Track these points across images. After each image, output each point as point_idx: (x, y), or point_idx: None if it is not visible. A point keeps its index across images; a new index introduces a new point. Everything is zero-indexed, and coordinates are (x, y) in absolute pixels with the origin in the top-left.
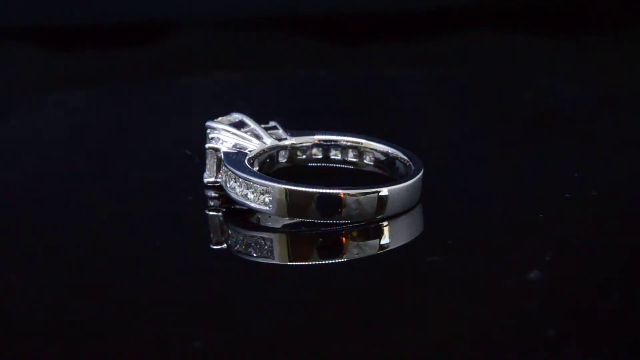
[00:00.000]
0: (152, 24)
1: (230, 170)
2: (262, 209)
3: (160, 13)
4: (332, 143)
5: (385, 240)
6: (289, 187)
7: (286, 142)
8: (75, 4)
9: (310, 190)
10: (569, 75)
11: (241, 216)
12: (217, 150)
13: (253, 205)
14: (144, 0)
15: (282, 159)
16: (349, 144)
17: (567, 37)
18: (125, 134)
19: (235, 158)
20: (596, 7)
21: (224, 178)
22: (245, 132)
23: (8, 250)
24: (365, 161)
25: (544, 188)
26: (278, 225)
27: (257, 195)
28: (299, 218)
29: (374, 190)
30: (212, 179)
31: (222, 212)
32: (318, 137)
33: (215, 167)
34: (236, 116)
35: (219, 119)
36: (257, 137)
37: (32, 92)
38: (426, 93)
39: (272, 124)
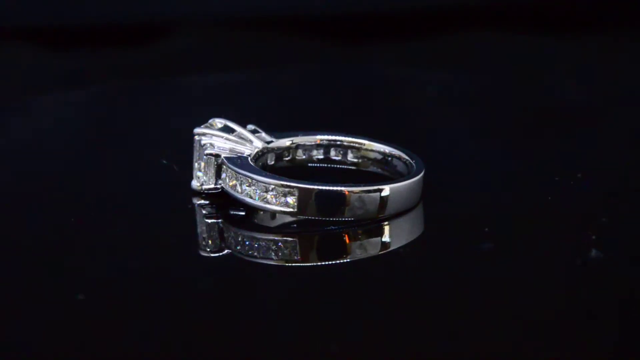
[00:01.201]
0: (152, 24)
1: (244, 175)
2: (285, 210)
3: (160, 13)
4: (332, 143)
5: (386, 238)
6: (318, 187)
7: (275, 144)
8: (75, 4)
9: (341, 188)
10: (569, 74)
11: (241, 220)
12: (217, 156)
13: (274, 207)
14: (144, 0)
15: (271, 161)
16: (349, 144)
17: (567, 37)
18: (123, 134)
19: (243, 162)
20: (596, 7)
21: (231, 183)
22: (235, 137)
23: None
24: (349, 158)
25: (544, 187)
26: (272, 225)
27: (279, 197)
28: (323, 217)
29: (376, 188)
30: (212, 186)
31: (222, 218)
32: (320, 137)
33: (214, 174)
34: (219, 121)
35: (204, 125)
36: (247, 140)
37: (32, 92)
38: (426, 93)
39: (250, 127)
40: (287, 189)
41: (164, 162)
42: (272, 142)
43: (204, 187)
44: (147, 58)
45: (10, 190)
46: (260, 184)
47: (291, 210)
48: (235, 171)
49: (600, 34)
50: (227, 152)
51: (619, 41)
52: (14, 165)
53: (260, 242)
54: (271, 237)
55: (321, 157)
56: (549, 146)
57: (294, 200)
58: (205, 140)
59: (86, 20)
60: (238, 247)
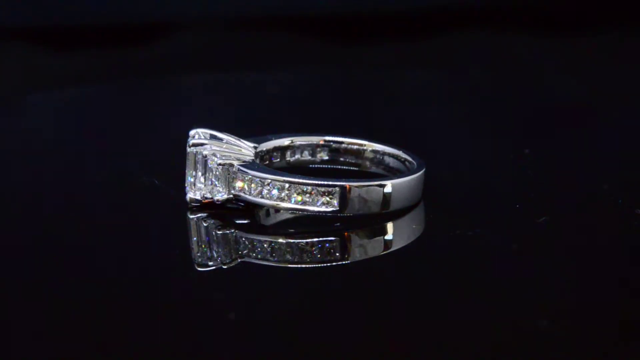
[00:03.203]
0: (152, 24)
1: (276, 180)
2: (325, 210)
3: (160, 13)
4: (335, 144)
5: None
6: (357, 183)
7: (260, 149)
8: (75, 4)
9: (376, 183)
10: (569, 74)
11: (250, 227)
12: (231, 165)
13: (313, 208)
14: (144, 0)
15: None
16: (351, 146)
17: (567, 37)
18: (123, 134)
19: (261, 168)
20: (596, 7)
21: (255, 190)
22: (228, 144)
23: None
24: (323, 158)
25: (543, 185)
26: (268, 224)
27: (318, 197)
28: (358, 213)
29: (378, 183)
30: (226, 197)
31: (233, 228)
32: (326, 138)
33: (226, 184)
34: (203, 131)
35: (195, 136)
36: (239, 147)
37: (31, 92)
38: (426, 93)
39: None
40: (326, 189)
41: (144, 178)
42: (257, 146)
43: (216, 198)
44: (147, 58)
45: (4, 190)
46: (298, 186)
47: (332, 209)
48: (262, 177)
49: (600, 34)
50: (235, 160)
51: (619, 41)
52: (11, 165)
53: (294, 248)
54: (310, 240)
55: (305, 158)
56: (548, 145)
57: (336, 198)
58: (207, 151)
59: (86, 20)
60: (261, 254)
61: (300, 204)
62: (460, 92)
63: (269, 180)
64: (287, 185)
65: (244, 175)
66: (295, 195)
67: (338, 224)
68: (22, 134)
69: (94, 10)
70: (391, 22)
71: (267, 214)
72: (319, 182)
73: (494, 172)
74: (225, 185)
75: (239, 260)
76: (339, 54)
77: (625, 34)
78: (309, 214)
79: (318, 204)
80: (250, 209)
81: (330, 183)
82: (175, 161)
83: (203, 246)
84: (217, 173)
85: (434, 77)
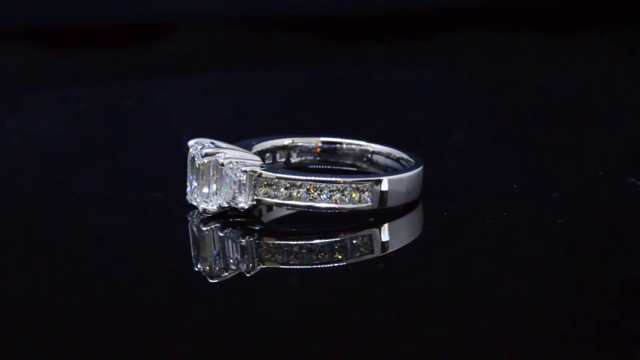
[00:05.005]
0: (152, 24)
1: (309, 181)
2: (361, 207)
3: (160, 13)
4: (336, 145)
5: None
6: (392, 177)
7: (256, 149)
8: (75, 4)
9: (373, 179)
10: (568, 75)
11: (267, 232)
12: (253, 171)
13: (351, 206)
14: (144, 0)
15: None
16: (349, 147)
17: (567, 37)
18: (123, 134)
19: (287, 170)
20: (596, 7)
21: (283, 193)
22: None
23: None
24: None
25: (543, 186)
26: (266, 221)
27: (352, 194)
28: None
29: (376, 179)
30: (250, 204)
31: (254, 235)
32: (323, 139)
33: (250, 191)
34: (204, 140)
35: (200, 147)
36: (241, 152)
37: (31, 92)
38: (425, 93)
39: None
40: (362, 185)
41: (158, 195)
42: (250, 151)
43: (240, 205)
44: (148, 58)
45: (4, 191)
46: (337, 185)
47: (365, 205)
48: (293, 179)
49: (600, 34)
50: (251, 166)
51: (619, 41)
52: (11, 165)
53: (321, 247)
54: (335, 240)
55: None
56: (547, 145)
57: (370, 195)
58: (222, 159)
59: (86, 20)
60: (283, 258)
61: (338, 203)
62: (460, 92)
63: (301, 182)
64: (319, 184)
65: (271, 179)
66: (328, 194)
67: (371, 219)
68: (21, 134)
69: (94, 10)
70: (391, 22)
71: (260, 212)
72: (354, 179)
73: (494, 172)
74: (248, 191)
75: (262, 266)
76: (338, 53)
77: (626, 34)
78: (314, 212)
79: (354, 201)
80: (252, 213)
81: (366, 179)
82: (174, 162)
83: (221, 256)
84: (239, 180)
85: (434, 77)
